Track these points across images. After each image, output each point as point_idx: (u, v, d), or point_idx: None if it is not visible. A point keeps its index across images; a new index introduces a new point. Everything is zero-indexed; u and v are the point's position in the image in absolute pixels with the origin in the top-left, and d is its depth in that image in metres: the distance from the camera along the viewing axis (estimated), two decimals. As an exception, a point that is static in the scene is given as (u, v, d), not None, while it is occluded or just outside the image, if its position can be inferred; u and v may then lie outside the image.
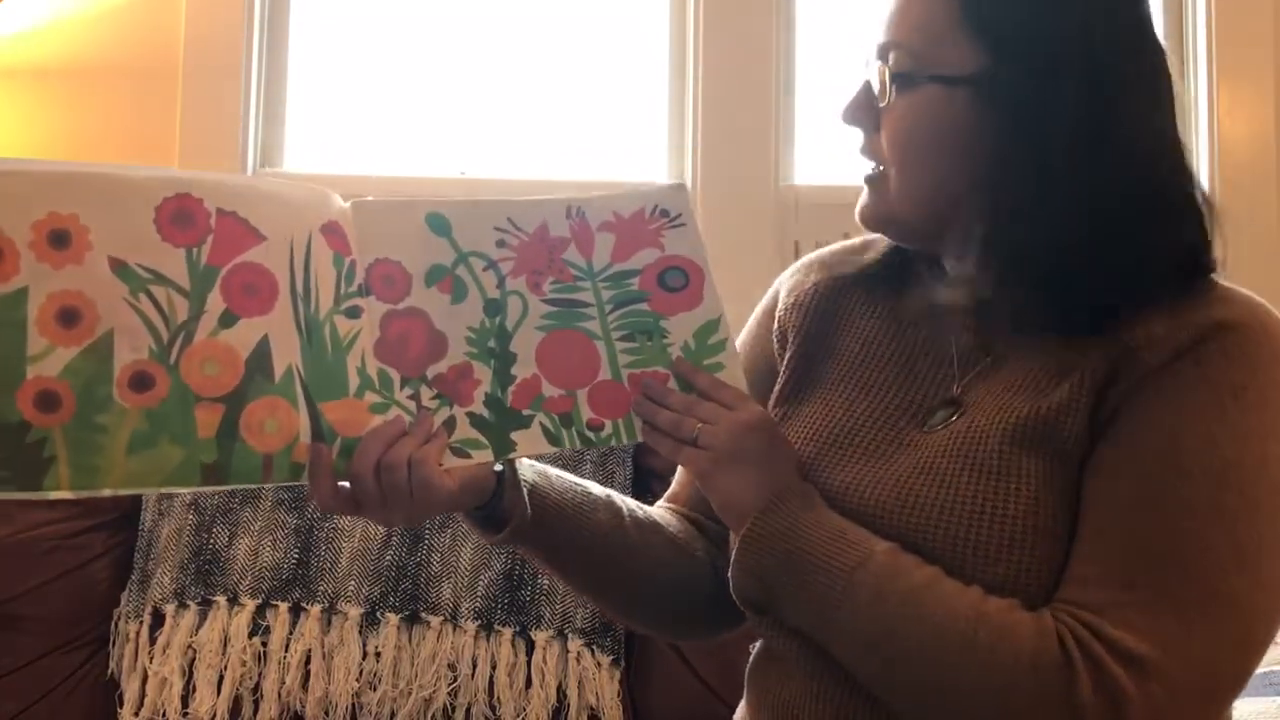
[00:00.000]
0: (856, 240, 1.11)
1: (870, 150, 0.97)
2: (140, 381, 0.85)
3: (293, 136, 2.27)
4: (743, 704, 1.07)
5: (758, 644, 1.06)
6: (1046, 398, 0.89)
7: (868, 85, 0.96)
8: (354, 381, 0.91)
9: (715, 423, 0.95)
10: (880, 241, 1.08)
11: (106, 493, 0.85)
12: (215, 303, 0.87)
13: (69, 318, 0.83)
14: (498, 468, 0.98)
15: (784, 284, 1.12)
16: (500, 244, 0.97)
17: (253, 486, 0.90)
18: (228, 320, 0.87)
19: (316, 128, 2.29)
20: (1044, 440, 0.88)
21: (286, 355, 0.89)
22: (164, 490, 0.87)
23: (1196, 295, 0.89)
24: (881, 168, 0.96)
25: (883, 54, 0.94)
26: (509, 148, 2.29)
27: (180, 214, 0.86)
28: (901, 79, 0.92)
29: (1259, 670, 1.43)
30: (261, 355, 0.88)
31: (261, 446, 0.88)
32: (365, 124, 2.30)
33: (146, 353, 0.85)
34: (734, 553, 0.93)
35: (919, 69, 0.92)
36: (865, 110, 0.96)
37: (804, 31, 2.29)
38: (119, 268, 0.85)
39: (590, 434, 0.97)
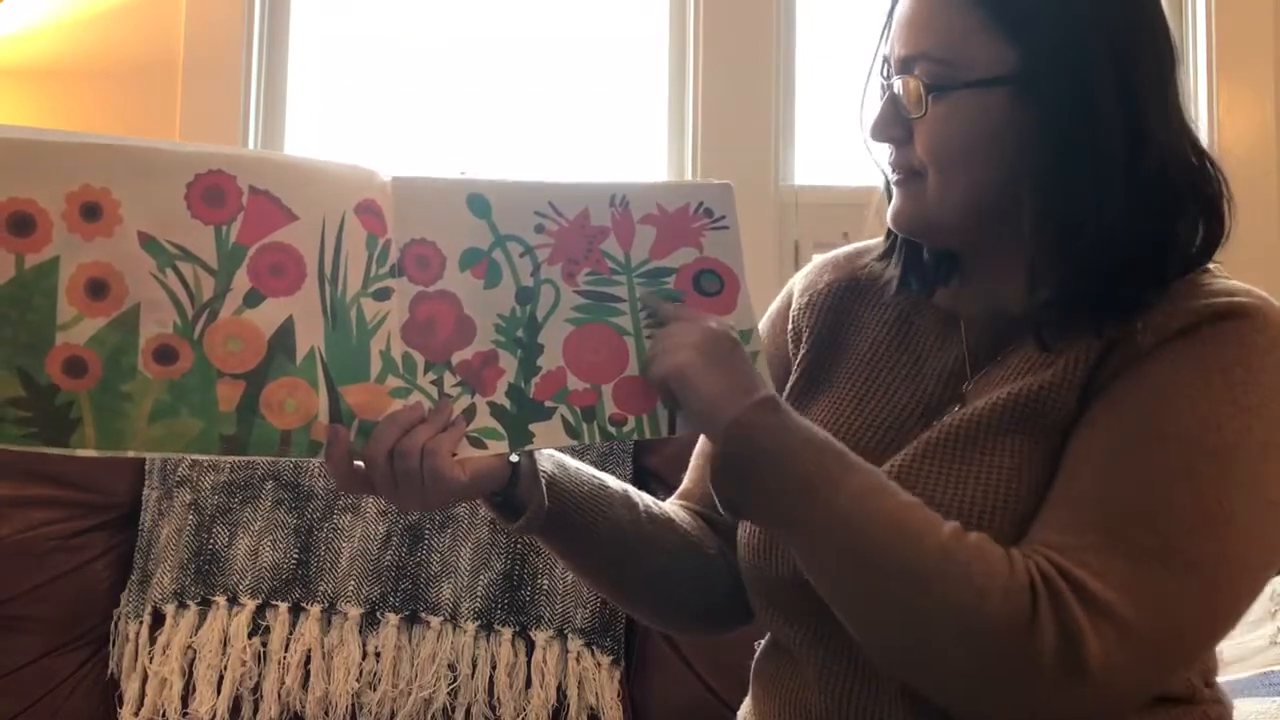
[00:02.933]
0: (871, 241, 1.12)
1: (902, 161, 0.97)
2: (164, 354, 0.87)
3: (293, 136, 2.27)
4: (747, 701, 1.07)
5: (764, 640, 1.06)
6: (1037, 377, 0.91)
7: (892, 99, 0.96)
8: (376, 365, 0.92)
9: (680, 331, 0.93)
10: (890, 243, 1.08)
11: (130, 454, 0.87)
12: (241, 281, 0.88)
13: (97, 289, 0.85)
14: (514, 459, 0.98)
15: (798, 284, 1.13)
16: (539, 229, 0.95)
17: (271, 457, 0.91)
18: (253, 299, 0.88)
19: (316, 127, 2.29)
20: (1031, 416, 0.90)
21: (310, 337, 0.90)
22: (186, 454, 0.90)
23: (1206, 287, 0.91)
24: (916, 175, 0.96)
25: (906, 67, 0.94)
26: (509, 147, 2.29)
27: (211, 191, 0.87)
28: (937, 89, 0.92)
29: (1259, 671, 1.43)
30: (285, 335, 0.89)
31: (280, 424, 0.89)
32: (365, 123, 2.31)
33: (171, 327, 0.87)
34: (718, 446, 0.91)
35: (953, 76, 0.92)
36: (895, 124, 0.96)
37: (804, 31, 2.29)
38: (148, 242, 0.86)
39: (612, 428, 0.96)
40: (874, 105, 1.00)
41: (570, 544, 1.05)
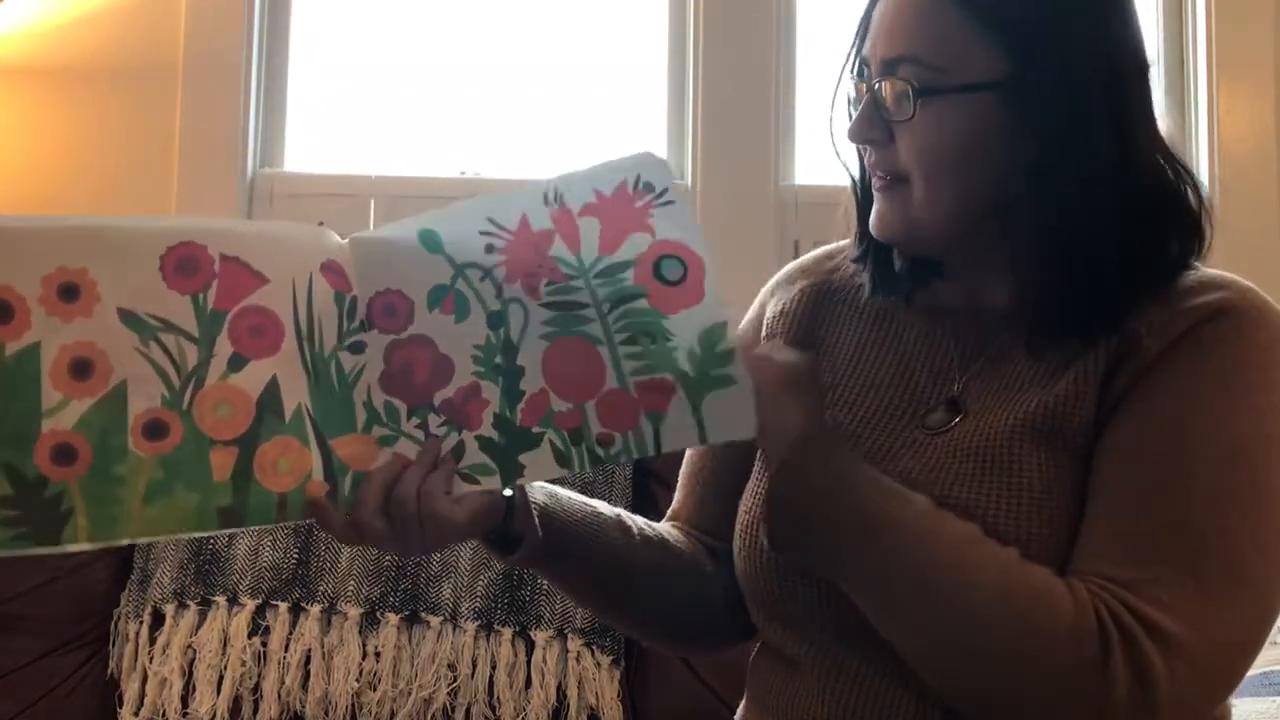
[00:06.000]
0: (832, 245, 1.11)
1: (884, 164, 0.95)
2: (154, 429, 0.86)
3: (293, 136, 2.27)
4: (744, 702, 1.07)
5: (758, 642, 1.06)
6: (1051, 390, 0.90)
7: (873, 101, 0.94)
8: (361, 416, 0.91)
9: (767, 356, 0.93)
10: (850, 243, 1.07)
11: (124, 541, 0.86)
12: (224, 346, 0.88)
13: (81, 369, 0.84)
14: (507, 493, 0.96)
15: (768, 296, 1.13)
16: (489, 249, 0.92)
17: (270, 525, 0.91)
18: (236, 363, 0.88)
19: (316, 128, 2.29)
20: (1052, 433, 0.89)
21: (295, 394, 0.89)
22: (182, 535, 0.89)
23: (1190, 282, 0.91)
24: (899, 179, 0.95)
25: (888, 69, 0.93)
26: (509, 147, 2.29)
27: (184, 261, 0.87)
28: (926, 92, 0.91)
29: (1258, 670, 1.43)
30: (271, 395, 0.88)
31: (276, 486, 0.88)
32: (365, 124, 2.31)
33: (159, 400, 0.86)
34: (772, 478, 0.91)
35: (942, 80, 0.91)
36: (876, 126, 0.94)
37: (804, 32, 2.29)
38: (128, 317, 0.86)
39: (600, 450, 0.92)
40: (844, 108, 0.99)
41: (566, 572, 1.05)
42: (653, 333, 0.91)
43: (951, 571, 0.84)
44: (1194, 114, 2.24)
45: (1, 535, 0.83)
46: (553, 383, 0.92)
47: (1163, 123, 0.96)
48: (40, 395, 0.83)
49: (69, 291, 0.84)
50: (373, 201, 2.20)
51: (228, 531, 0.90)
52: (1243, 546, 0.83)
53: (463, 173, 2.26)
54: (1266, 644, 1.39)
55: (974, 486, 0.90)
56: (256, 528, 0.92)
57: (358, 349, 0.92)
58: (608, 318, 0.91)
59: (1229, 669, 0.85)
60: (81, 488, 0.84)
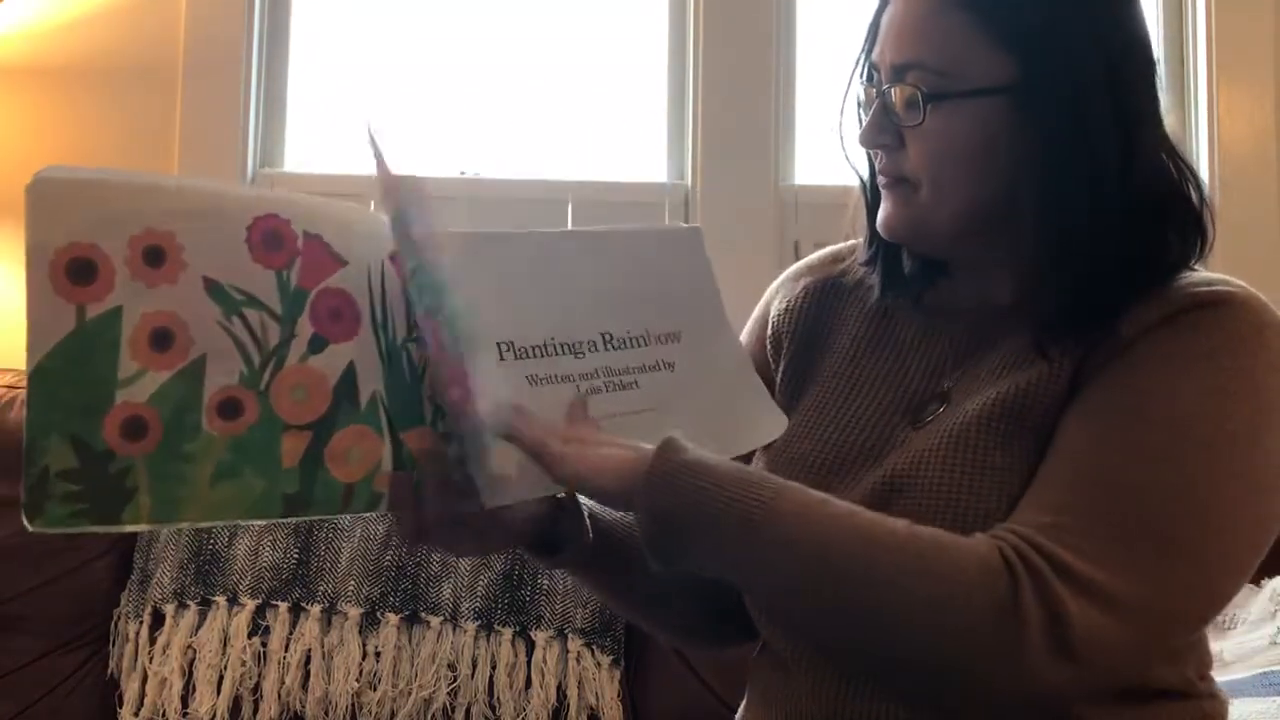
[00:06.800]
0: (840, 246, 1.12)
1: (891, 168, 0.96)
2: (229, 408, 0.82)
3: (293, 136, 2.27)
4: (745, 701, 1.07)
5: (760, 642, 1.06)
6: (1027, 373, 0.91)
7: (883, 106, 0.95)
8: (428, 410, 0.89)
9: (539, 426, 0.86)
10: (860, 245, 1.08)
11: (185, 525, 0.81)
12: (305, 327, 0.84)
13: (162, 340, 0.80)
14: (560, 494, 0.95)
15: (775, 294, 1.14)
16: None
17: (333, 516, 0.87)
18: (317, 345, 0.84)
19: (316, 128, 2.29)
20: (1021, 415, 0.90)
21: (370, 382, 0.86)
22: (244, 522, 0.84)
23: (1186, 280, 0.91)
24: (904, 181, 0.96)
25: (898, 75, 0.94)
26: (509, 147, 2.29)
27: (271, 235, 0.83)
28: (935, 97, 0.92)
29: (1258, 671, 1.43)
30: (349, 382, 0.85)
31: (344, 476, 0.85)
32: (365, 124, 2.30)
33: (237, 378, 0.82)
34: (636, 500, 0.86)
35: (951, 85, 0.91)
36: (886, 131, 0.96)
37: (804, 32, 2.29)
38: (213, 288, 0.81)
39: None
40: (853, 111, 1.00)
41: (604, 573, 1.04)
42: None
43: (844, 546, 0.81)
44: (1194, 114, 2.24)
45: (58, 511, 0.77)
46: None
47: (1165, 120, 0.96)
48: (117, 364, 0.78)
49: (155, 255, 0.79)
50: (373, 202, 2.20)
51: (291, 520, 0.84)
52: (1171, 505, 0.82)
53: (463, 173, 2.26)
54: (1266, 644, 1.39)
55: (941, 466, 0.91)
56: (320, 518, 0.85)
57: (424, 343, 0.89)
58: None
59: (1151, 627, 0.82)
60: (149, 465, 0.79)
